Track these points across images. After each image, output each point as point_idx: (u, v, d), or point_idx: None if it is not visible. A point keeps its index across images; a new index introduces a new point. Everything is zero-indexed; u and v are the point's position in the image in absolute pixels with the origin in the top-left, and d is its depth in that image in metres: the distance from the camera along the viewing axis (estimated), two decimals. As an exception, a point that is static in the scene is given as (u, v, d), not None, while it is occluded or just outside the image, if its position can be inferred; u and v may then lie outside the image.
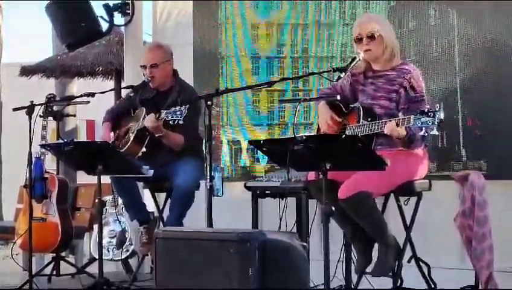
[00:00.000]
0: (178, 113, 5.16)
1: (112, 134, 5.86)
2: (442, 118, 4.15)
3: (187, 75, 6.10)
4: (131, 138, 5.65)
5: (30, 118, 5.57)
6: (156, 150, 5.64)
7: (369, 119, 4.68)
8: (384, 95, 4.75)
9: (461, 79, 5.67)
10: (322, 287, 4.19)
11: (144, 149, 5.63)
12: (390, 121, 4.39)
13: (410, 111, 4.58)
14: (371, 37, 4.75)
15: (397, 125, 4.32)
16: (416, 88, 4.68)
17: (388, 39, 4.77)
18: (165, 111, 5.30)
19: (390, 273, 4.71)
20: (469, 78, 5.63)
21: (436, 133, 4.25)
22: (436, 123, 4.14)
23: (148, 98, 5.82)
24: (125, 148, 5.63)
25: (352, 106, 4.88)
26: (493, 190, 4.90)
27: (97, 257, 5.38)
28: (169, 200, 5.78)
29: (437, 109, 4.16)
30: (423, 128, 4.19)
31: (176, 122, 5.25)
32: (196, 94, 5.79)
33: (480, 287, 4.76)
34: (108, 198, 6.57)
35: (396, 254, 4.66)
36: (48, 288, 6.11)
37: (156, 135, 5.51)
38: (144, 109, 5.69)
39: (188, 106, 5.17)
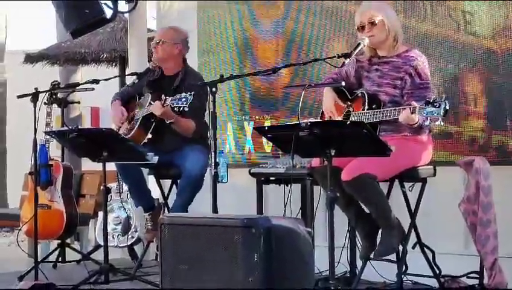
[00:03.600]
0: (183, 99, 5.16)
1: (123, 109, 5.84)
2: (447, 108, 4.16)
3: (191, 61, 6.10)
4: (137, 125, 5.66)
5: (35, 105, 5.58)
6: (161, 136, 5.64)
7: (373, 106, 4.69)
8: (390, 82, 4.76)
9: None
10: (327, 273, 4.20)
11: (149, 136, 5.64)
12: (404, 109, 4.38)
13: (414, 96, 4.59)
14: (372, 23, 4.75)
15: (412, 113, 4.31)
16: (422, 75, 4.69)
17: (390, 24, 4.77)
18: (170, 98, 5.30)
19: (395, 259, 4.72)
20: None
21: (442, 123, 4.26)
22: (441, 114, 4.14)
23: (154, 79, 5.82)
24: (130, 134, 5.64)
25: (356, 92, 4.88)
26: (498, 175, 4.90)
27: (102, 244, 5.40)
28: (174, 187, 5.79)
29: (442, 99, 4.16)
30: (428, 118, 4.20)
31: (181, 109, 5.24)
32: (203, 80, 5.79)
33: (485, 273, 4.76)
34: (113, 185, 6.58)
35: (400, 236, 4.67)
36: (53, 275, 6.12)
37: (168, 122, 5.51)
38: (150, 95, 5.68)
39: (193, 92, 5.17)
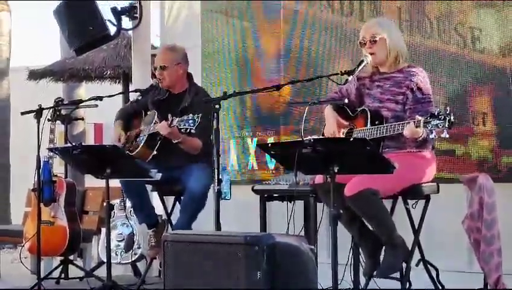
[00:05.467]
0: (191, 121, 5.14)
1: (122, 133, 5.86)
2: (453, 120, 4.17)
3: (194, 77, 6.10)
4: (142, 142, 5.66)
5: (38, 122, 5.58)
6: (166, 153, 5.64)
7: (376, 122, 4.69)
8: (391, 97, 4.76)
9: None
10: (330, 290, 4.19)
11: (154, 152, 5.64)
12: (409, 123, 4.39)
13: (416, 111, 4.59)
14: (374, 41, 4.76)
15: (416, 127, 4.33)
16: (423, 89, 4.69)
17: (391, 43, 4.77)
18: (177, 119, 5.28)
19: (398, 276, 4.71)
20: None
21: (447, 136, 4.27)
22: (447, 126, 4.15)
23: (161, 99, 5.84)
24: (135, 151, 5.64)
25: (359, 109, 4.89)
26: (502, 192, 4.89)
27: (105, 260, 5.39)
28: (177, 204, 5.78)
29: (447, 112, 4.17)
30: (433, 131, 4.21)
31: (188, 130, 5.23)
32: (210, 97, 5.80)
33: (488, 290, 4.75)
34: (116, 201, 6.58)
35: (403, 254, 4.65)
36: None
37: (175, 141, 5.51)
38: (156, 112, 5.69)
39: (201, 114, 5.16)
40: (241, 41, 6.93)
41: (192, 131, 5.20)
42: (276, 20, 6.74)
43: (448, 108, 4.24)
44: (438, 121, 4.19)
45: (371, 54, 4.76)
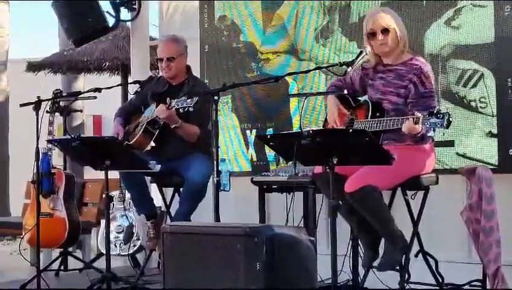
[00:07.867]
0: (189, 101, 5.17)
1: (121, 128, 5.87)
2: (451, 120, 4.17)
3: (193, 69, 6.11)
4: (141, 130, 5.66)
5: (37, 114, 5.57)
6: (164, 144, 5.64)
7: (377, 114, 4.68)
8: (394, 90, 4.75)
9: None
10: (329, 281, 4.19)
11: (152, 143, 5.63)
12: (407, 119, 4.38)
13: (418, 105, 4.59)
14: (385, 30, 4.75)
15: (415, 123, 4.32)
16: (425, 83, 4.68)
17: (401, 32, 4.77)
18: (175, 100, 5.32)
19: (397, 268, 4.71)
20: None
21: (444, 134, 4.28)
22: (445, 125, 4.15)
23: (160, 91, 5.84)
24: (134, 140, 5.64)
25: (360, 100, 4.88)
26: (501, 182, 4.90)
27: (104, 252, 5.40)
28: (176, 195, 5.79)
29: (446, 111, 4.17)
30: (431, 129, 4.21)
31: (186, 109, 5.24)
32: (208, 89, 5.81)
33: (487, 281, 4.75)
34: (115, 193, 6.58)
35: (403, 249, 4.66)
36: (55, 283, 6.12)
37: (172, 126, 5.52)
38: (155, 104, 5.69)
39: (197, 98, 5.17)
40: (241, 33, 6.91)
41: (191, 109, 5.20)
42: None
43: (447, 107, 4.25)
44: (436, 120, 4.19)
45: (382, 44, 4.74)
